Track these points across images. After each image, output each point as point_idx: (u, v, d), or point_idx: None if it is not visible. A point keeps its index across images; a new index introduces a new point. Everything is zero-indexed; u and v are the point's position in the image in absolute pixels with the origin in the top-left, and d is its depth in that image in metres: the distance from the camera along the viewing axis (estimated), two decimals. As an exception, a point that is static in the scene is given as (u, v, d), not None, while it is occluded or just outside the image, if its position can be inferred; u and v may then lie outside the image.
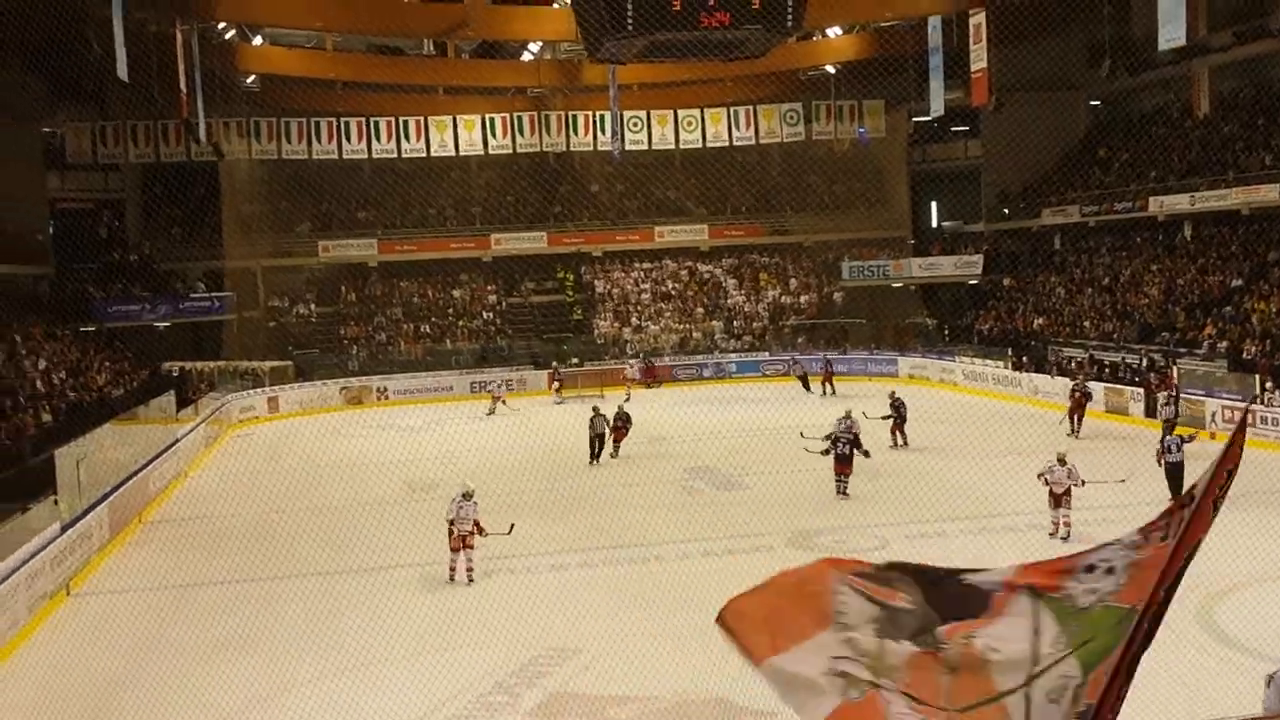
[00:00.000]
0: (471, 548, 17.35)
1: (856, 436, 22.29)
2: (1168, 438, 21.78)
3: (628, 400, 35.19)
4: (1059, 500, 18.08)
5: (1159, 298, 37.09)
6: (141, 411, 29.38)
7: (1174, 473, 21.24)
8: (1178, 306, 35.76)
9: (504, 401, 37.96)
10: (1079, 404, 28.99)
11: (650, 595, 16.36)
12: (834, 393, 38.16)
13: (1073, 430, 28.31)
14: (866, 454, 22.23)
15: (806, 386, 39.48)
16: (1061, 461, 18.18)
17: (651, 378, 42.83)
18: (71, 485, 21.14)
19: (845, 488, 21.66)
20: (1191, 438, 22.06)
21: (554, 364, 42.25)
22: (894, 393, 28.74)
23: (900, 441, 27.45)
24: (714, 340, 47.47)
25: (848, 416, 23.32)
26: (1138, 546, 3.47)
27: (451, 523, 17.33)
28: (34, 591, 16.60)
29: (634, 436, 28.75)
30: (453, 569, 17.32)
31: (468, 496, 17.48)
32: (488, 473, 26.47)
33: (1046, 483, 18.22)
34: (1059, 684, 3.35)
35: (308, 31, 43.69)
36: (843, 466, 21.72)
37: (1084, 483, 18.03)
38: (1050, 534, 18.04)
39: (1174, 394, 27.99)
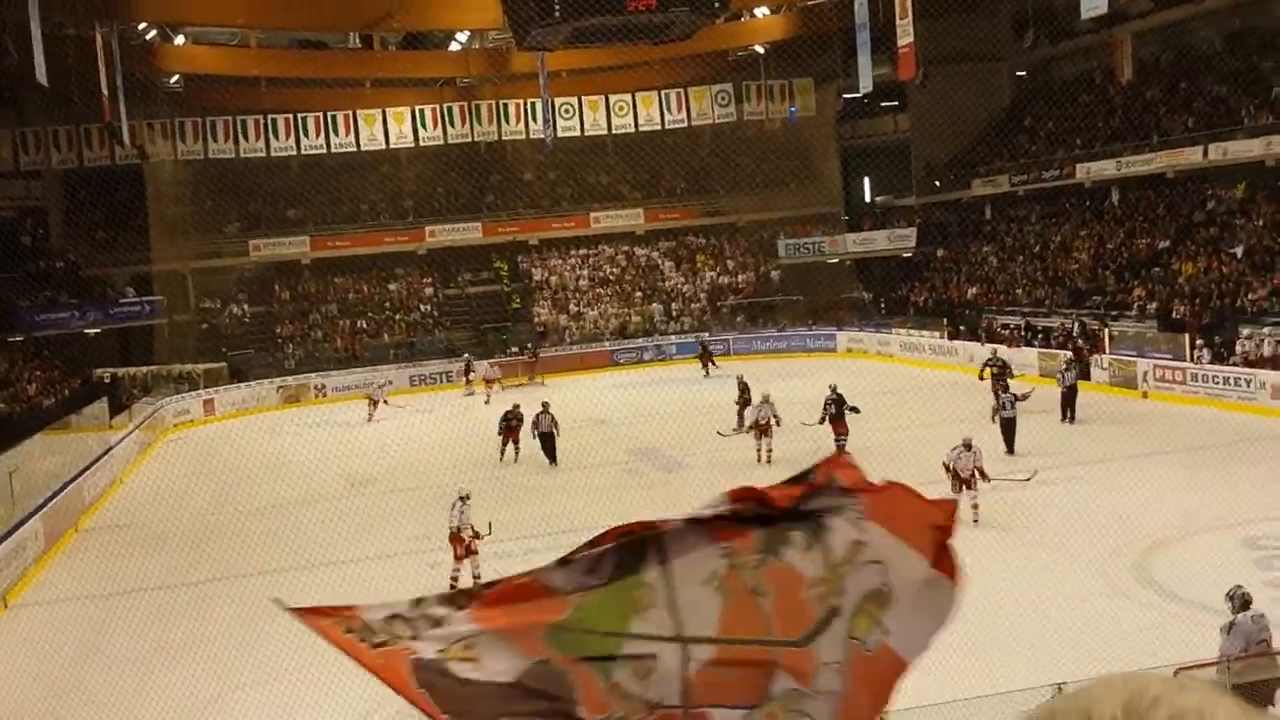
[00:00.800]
0: (476, 553, 16.66)
1: (841, 397, 23.54)
2: (1003, 395, 22.67)
3: (487, 403, 34.76)
4: (966, 484, 17.14)
5: (1089, 262, 37.60)
6: (74, 420, 28.95)
7: (1007, 428, 22.25)
8: (1107, 270, 36.28)
9: (385, 402, 35.30)
10: (999, 379, 26.25)
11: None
12: (707, 374, 38.32)
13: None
14: (856, 409, 23.55)
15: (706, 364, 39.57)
16: (968, 446, 17.48)
17: (532, 371, 41.11)
18: (4, 497, 20.82)
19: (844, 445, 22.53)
20: (1026, 395, 22.92)
21: (465, 356, 41.18)
22: (833, 386, 24.86)
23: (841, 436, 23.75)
24: (654, 323, 47.49)
25: (765, 400, 23.84)
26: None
27: (457, 530, 16.70)
28: (-33, 605, 16.29)
29: (577, 421, 28.71)
30: (454, 579, 16.27)
31: (465, 499, 16.96)
32: (429, 466, 26.37)
33: (949, 468, 17.41)
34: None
35: (230, 29, 43.05)
36: (838, 426, 23.24)
37: (988, 477, 17.36)
38: None
39: (1073, 361, 27.51)
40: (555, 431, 24.99)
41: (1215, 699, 0.92)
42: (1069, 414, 25.24)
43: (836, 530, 2.91)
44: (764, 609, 2.86)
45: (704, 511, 2.91)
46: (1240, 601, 10.23)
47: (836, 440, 22.74)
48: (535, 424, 25.07)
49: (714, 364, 39.19)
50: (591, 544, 2.91)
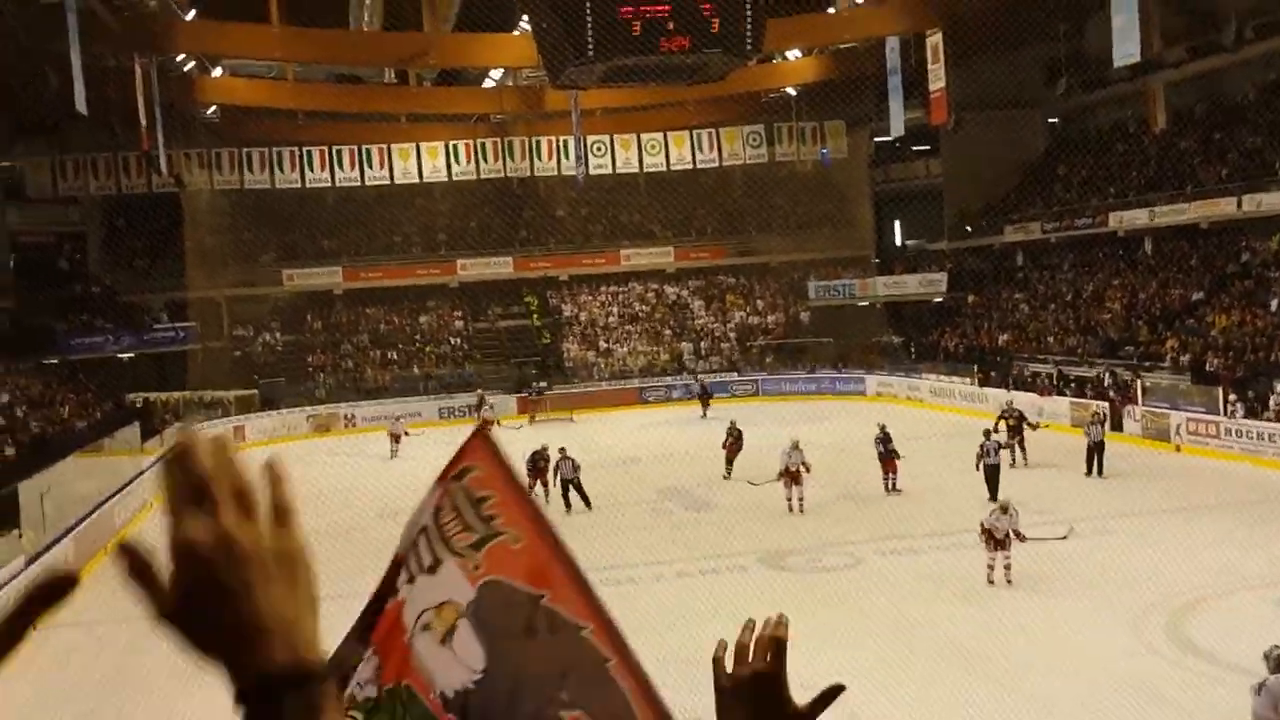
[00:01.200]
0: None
1: (889, 435, 24.42)
2: (986, 442, 22.98)
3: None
4: (999, 544, 16.80)
5: (1121, 312, 37.45)
6: (106, 443, 29.13)
7: (991, 475, 22.45)
8: (1140, 320, 36.12)
9: (406, 434, 34.76)
10: (1016, 430, 26.83)
11: (625, 618, 16.02)
12: (704, 415, 38.88)
13: (1014, 461, 25.78)
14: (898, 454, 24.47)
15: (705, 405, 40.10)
16: (1005, 509, 17.10)
17: (533, 411, 41.33)
18: (36, 519, 20.95)
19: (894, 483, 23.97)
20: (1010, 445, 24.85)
21: (479, 392, 41.63)
22: (882, 425, 25.23)
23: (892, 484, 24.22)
24: (682, 362, 47.52)
25: (795, 447, 23.16)
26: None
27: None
28: (-1, 627, 16.37)
29: (606, 459, 28.74)
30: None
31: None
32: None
33: (985, 529, 16.97)
34: None
35: (268, 62, 43.58)
36: (887, 464, 24.12)
37: (1024, 537, 16.88)
38: (988, 579, 16.82)
39: (1100, 415, 26.70)
40: (578, 476, 23.98)
41: None
42: (1095, 468, 24.83)
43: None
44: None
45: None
46: (1275, 662, 10.08)
47: (885, 478, 23.88)
48: (556, 469, 24.13)
49: (709, 406, 39.65)
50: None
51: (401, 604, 2.51)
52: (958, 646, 14.19)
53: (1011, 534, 16.86)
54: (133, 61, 35.36)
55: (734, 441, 27.36)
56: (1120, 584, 16.08)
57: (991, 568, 16.74)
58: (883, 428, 24.48)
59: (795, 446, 23.17)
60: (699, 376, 43.66)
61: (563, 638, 2.38)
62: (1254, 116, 38.63)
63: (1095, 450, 25.01)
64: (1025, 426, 27.23)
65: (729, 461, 27.09)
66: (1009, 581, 16.49)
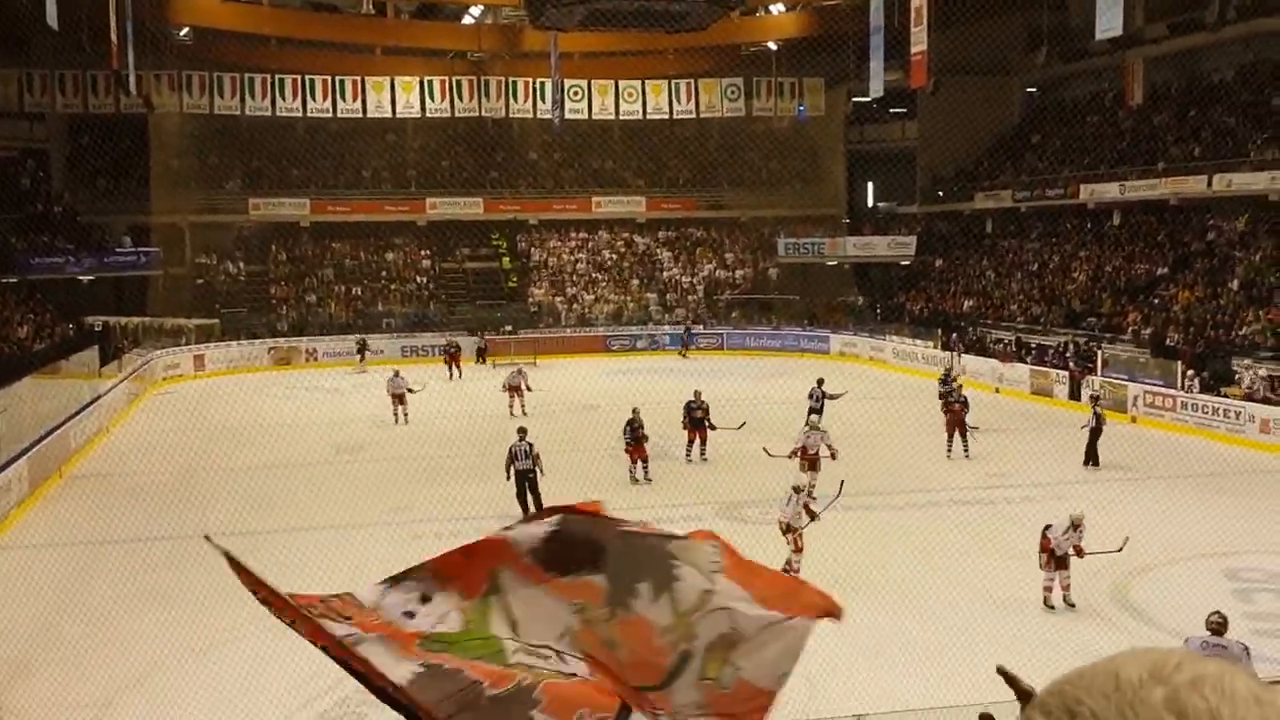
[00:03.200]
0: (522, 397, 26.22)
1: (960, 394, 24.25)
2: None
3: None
4: (1059, 562, 14.67)
5: (1086, 283, 37.70)
6: (64, 366, 28.82)
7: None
8: (1104, 292, 36.39)
9: (411, 391, 31.90)
10: (958, 417, 23.97)
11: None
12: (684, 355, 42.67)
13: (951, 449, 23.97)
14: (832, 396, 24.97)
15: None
16: (1075, 526, 14.74)
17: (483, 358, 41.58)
18: (-10, 437, 20.74)
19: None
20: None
21: (361, 337, 41.78)
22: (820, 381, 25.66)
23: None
24: (649, 312, 47.50)
25: (815, 428, 21.67)
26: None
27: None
28: (-52, 544, 16.26)
29: (565, 405, 28.81)
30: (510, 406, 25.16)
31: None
32: (415, 436, 26.40)
33: (1048, 541, 14.78)
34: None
35: (244, -15, 42.86)
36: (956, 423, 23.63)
37: (1084, 553, 14.75)
38: (1045, 601, 14.65)
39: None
40: (538, 469, 19.41)
41: (1231, 669, 0.98)
42: (1092, 459, 22.33)
43: (686, 580, 2.94)
44: (620, 659, 2.90)
45: (523, 535, 2.92)
46: (1214, 628, 10.31)
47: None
48: (511, 457, 19.64)
49: (687, 350, 42.39)
50: (424, 599, 2.87)
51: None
52: (911, 600, 14.34)
53: (1072, 551, 14.71)
54: (106, -24, 34.67)
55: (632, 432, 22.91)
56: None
57: (1049, 589, 14.65)
58: (698, 395, 24.36)
59: (815, 428, 21.02)
60: (688, 322, 45.59)
61: None
62: (1230, 97, 38.80)
63: (1094, 437, 22.50)
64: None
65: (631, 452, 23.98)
66: (1071, 604, 14.58)
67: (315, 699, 11.72)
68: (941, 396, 25.33)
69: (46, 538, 18.44)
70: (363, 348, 40.20)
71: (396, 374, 29.68)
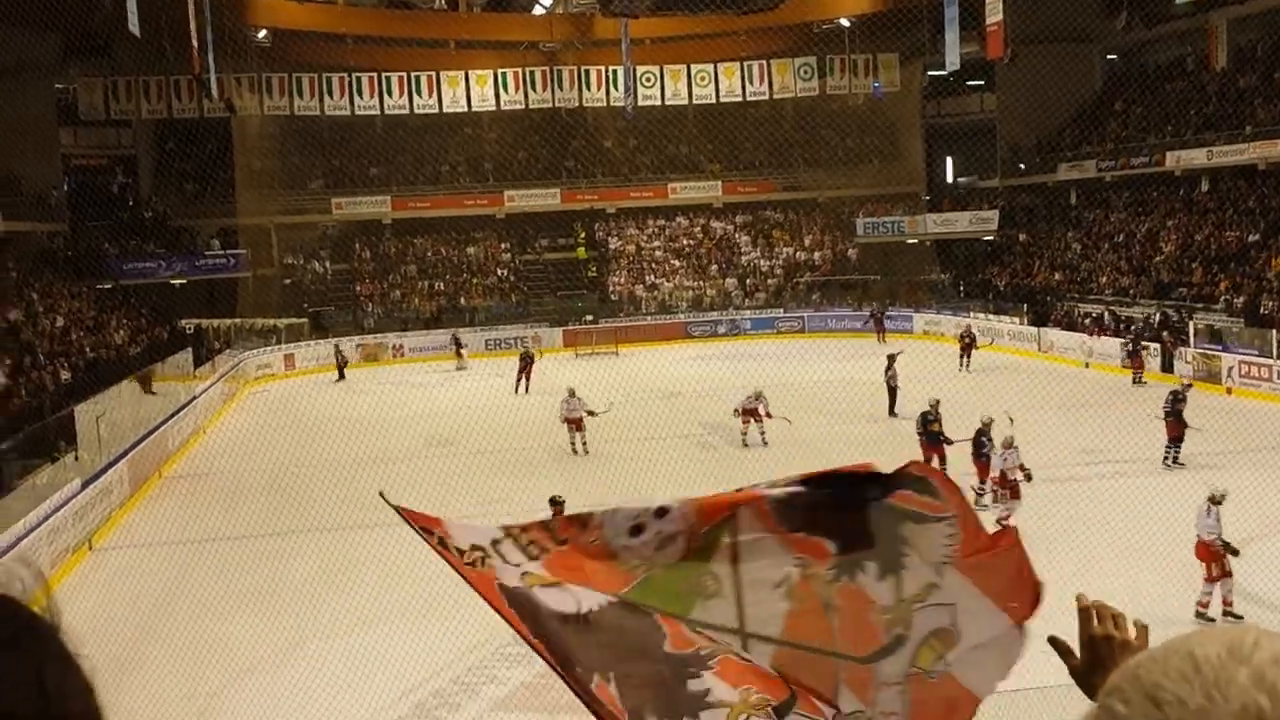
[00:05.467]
0: (583, 430, 23.26)
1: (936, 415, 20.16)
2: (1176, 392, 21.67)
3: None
4: (1223, 568, 12.91)
5: (1175, 253, 36.91)
6: (159, 369, 29.53)
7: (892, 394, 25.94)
8: (1194, 262, 35.60)
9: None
10: (966, 346, 33.21)
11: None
12: (882, 340, 39.50)
13: (962, 366, 32.83)
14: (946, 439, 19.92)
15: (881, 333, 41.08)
16: (1215, 501, 13.15)
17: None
18: (92, 441, 21.35)
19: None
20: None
21: (452, 332, 42.05)
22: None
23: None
24: (729, 297, 47.41)
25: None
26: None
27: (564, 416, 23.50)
28: (56, 546, 16.80)
29: (649, 392, 28.91)
30: (571, 443, 23.25)
31: (572, 394, 22.90)
32: (504, 428, 26.65)
33: (1209, 548, 13.03)
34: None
35: (319, -15, 43.44)
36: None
37: (1235, 550, 13.02)
38: (1201, 615, 13.05)
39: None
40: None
41: None
42: (1172, 454, 20.50)
43: (912, 569, 3.00)
44: (832, 623, 2.97)
45: (777, 490, 3.01)
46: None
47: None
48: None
49: (884, 335, 40.63)
50: (660, 512, 3.01)
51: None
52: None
53: (1222, 547, 12.93)
54: (185, -18, 35.31)
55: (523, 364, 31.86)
56: (1165, 525, 16.03)
57: (1206, 604, 13.13)
58: (934, 406, 20.31)
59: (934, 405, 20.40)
60: (873, 306, 43.59)
61: None
62: (1319, 55, 37.70)
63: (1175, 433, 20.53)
64: (974, 345, 33.46)
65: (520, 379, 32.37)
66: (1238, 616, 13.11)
67: (413, 690, 11.97)
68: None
69: (148, 537, 18.95)
70: (458, 343, 40.60)
71: (572, 394, 24.03)
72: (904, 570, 3.01)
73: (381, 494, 3.18)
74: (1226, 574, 13.01)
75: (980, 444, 18.26)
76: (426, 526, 3.09)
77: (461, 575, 3.02)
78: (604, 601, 2.93)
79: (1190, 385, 22.16)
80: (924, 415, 20.14)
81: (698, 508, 3.02)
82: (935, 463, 18.82)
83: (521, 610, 2.93)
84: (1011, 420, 18.18)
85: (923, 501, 3.03)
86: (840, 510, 3.01)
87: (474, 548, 3.09)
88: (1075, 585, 2.55)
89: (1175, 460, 20.28)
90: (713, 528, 3.00)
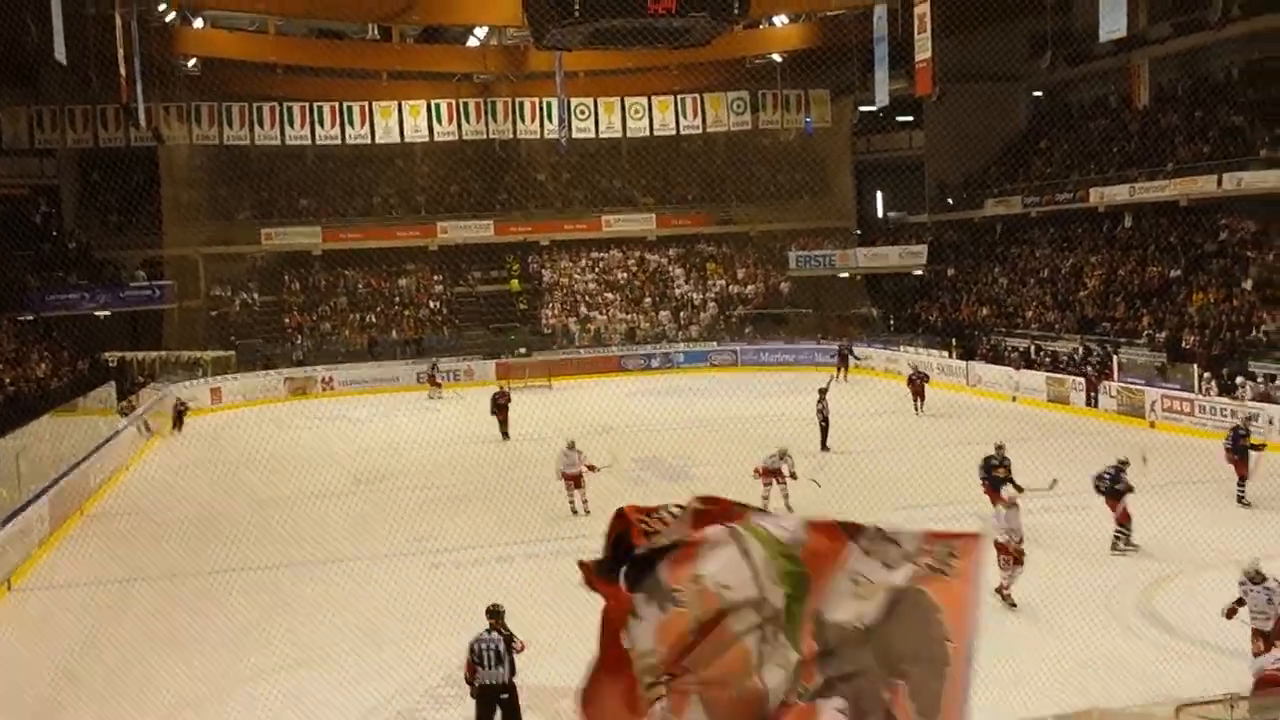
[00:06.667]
0: (582, 487, 20.74)
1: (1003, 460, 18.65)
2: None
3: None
4: (1268, 640, 11.35)
5: (1099, 288, 37.59)
6: (81, 403, 28.95)
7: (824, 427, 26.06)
8: (1118, 297, 36.29)
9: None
10: (918, 389, 31.44)
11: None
12: (842, 379, 37.34)
13: (918, 410, 31.15)
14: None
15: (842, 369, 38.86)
16: (1257, 579, 11.70)
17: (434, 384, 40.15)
18: (10, 478, 20.83)
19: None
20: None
21: (432, 360, 41.59)
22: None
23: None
24: (663, 330, 47.52)
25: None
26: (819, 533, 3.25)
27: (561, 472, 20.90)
28: (-27, 587, 16.33)
29: (582, 427, 28.77)
30: (571, 502, 20.79)
31: (571, 447, 20.90)
32: (435, 465, 26.42)
33: (1237, 608, 11.85)
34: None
35: (250, 14, 43.08)
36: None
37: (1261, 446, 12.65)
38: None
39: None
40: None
41: None
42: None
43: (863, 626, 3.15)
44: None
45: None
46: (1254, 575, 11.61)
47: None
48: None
49: (846, 371, 38.79)
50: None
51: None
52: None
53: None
54: (113, 10, 34.85)
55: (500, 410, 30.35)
56: (1090, 559, 16.26)
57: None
58: (1000, 450, 18.84)
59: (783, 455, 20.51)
60: (841, 341, 41.27)
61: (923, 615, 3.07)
62: (1236, 95, 38.71)
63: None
64: (925, 386, 31.84)
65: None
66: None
67: (343, 736, 11.73)
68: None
69: (69, 578, 18.49)
70: (434, 372, 40.18)
71: (571, 446, 21.30)
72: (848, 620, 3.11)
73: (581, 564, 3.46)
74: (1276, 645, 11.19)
75: (1116, 481, 17.26)
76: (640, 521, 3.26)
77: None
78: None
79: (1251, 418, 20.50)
80: (988, 460, 18.57)
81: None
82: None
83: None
84: (1145, 459, 17.54)
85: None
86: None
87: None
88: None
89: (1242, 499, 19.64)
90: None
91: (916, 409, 31.11)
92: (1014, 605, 14.36)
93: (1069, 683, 11.97)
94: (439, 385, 39.41)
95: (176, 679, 13.30)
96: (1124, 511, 17.15)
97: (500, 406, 30.37)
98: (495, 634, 11.14)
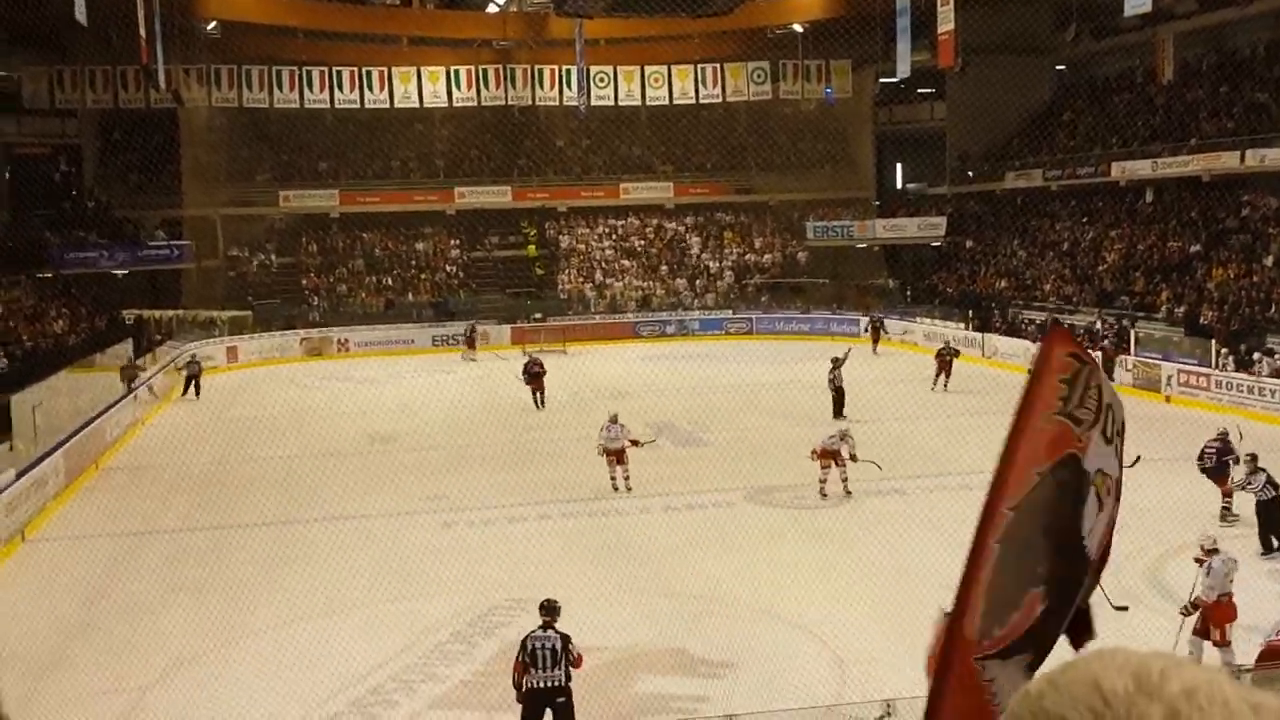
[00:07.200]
0: (625, 463, 19.51)
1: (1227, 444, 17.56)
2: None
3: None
4: (1208, 614, 11.78)
5: (1118, 262, 37.38)
6: (98, 359, 29.10)
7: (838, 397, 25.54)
8: (1137, 271, 36.08)
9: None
10: (946, 363, 29.97)
11: (610, 548, 16.47)
12: (875, 352, 37.52)
13: (936, 385, 29.73)
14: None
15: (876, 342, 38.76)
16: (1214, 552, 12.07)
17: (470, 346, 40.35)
18: (27, 431, 20.99)
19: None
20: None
21: (470, 323, 41.56)
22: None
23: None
24: (678, 298, 47.46)
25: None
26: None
27: (603, 447, 19.61)
28: (-12, 537, 16.48)
29: (596, 392, 28.88)
30: (613, 478, 19.53)
31: (614, 421, 19.76)
32: (448, 425, 26.51)
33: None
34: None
35: (271, -23, 43.08)
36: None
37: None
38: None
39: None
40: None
41: (1218, 675, 0.93)
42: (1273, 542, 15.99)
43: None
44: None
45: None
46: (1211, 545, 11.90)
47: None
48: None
49: (883, 339, 38.77)
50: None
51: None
52: (948, 587, 14.28)
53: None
54: (134, -30, 34.87)
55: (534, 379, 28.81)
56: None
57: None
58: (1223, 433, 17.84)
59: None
60: (872, 313, 41.16)
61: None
62: (1261, 71, 38.31)
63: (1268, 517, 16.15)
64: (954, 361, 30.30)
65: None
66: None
67: (349, 686, 11.82)
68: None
69: (83, 530, 18.64)
70: (471, 334, 40.27)
71: (614, 420, 20.19)
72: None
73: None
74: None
75: (1224, 454, 17.07)
76: (1081, 358, 2.91)
77: (1024, 410, 2.78)
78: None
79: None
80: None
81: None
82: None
83: (1045, 490, 2.80)
84: (1241, 435, 17.26)
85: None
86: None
87: (1096, 407, 2.92)
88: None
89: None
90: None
91: (935, 384, 29.73)
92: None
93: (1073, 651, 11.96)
94: (474, 347, 39.51)
95: (182, 630, 13.43)
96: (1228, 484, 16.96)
97: (534, 375, 28.76)
98: (551, 632, 10.23)
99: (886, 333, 39.37)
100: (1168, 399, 27.47)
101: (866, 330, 39.83)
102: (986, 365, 34.32)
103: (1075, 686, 0.94)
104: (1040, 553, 2.72)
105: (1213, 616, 11.68)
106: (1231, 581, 11.75)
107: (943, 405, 27.51)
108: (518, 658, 10.12)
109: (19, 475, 18.55)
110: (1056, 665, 1.01)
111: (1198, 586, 11.78)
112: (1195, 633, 11.70)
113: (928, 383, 29.99)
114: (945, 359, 30.16)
